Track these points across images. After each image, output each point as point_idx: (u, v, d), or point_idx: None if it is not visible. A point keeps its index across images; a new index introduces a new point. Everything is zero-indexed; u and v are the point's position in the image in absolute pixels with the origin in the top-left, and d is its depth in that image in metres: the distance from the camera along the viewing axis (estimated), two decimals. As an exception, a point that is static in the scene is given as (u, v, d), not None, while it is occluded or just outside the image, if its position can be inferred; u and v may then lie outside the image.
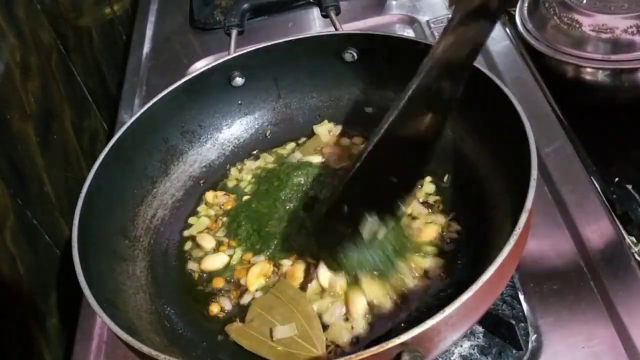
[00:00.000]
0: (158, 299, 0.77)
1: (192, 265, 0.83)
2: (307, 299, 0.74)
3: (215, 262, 0.82)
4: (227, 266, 0.81)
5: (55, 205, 0.91)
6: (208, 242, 0.85)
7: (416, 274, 0.73)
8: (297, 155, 0.93)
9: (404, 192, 0.71)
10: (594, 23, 0.94)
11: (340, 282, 0.74)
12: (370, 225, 0.67)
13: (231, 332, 0.73)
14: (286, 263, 0.79)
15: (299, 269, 0.77)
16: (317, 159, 0.91)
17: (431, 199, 0.83)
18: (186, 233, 0.87)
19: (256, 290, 0.78)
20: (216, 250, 0.84)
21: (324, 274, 0.74)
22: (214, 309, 0.77)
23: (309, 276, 0.76)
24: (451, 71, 0.61)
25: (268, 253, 0.80)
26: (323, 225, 0.75)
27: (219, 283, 0.80)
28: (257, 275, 0.78)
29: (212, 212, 0.89)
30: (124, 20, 1.47)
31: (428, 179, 0.85)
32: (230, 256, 0.82)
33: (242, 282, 0.79)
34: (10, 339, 0.76)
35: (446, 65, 0.61)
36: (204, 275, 0.81)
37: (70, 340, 0.83)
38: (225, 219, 0.87)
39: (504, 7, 0.63)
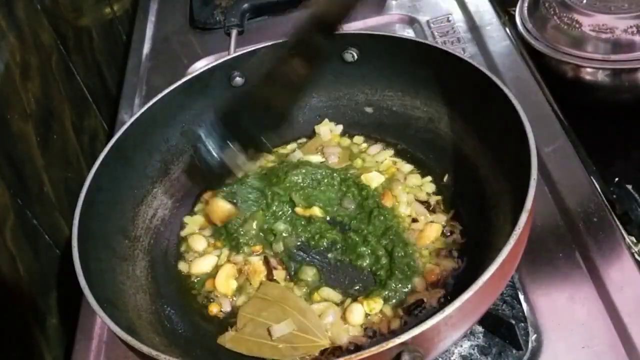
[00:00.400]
0: (158, 299, 0.77)
1: (182, 267, 0.83)
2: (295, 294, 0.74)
3: (202, 265, 0.81)
4: (216, 267, 0.81)
5: (55, 205, 0.91)
6: (199, 243, 0.84)
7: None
8: (298, 155, 0.93)
9: (268, 129, 0.79)
10: (594, 23, 0.94)
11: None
12: (232, 152, 0.72)
13: (226, 342, 0.72)
14: (252, 260, 0.80)
15: (260, 263, 0.78)
16: (317, 159, 0.91)
17: (432, 199, 0.83)
18: (183, 233, 0.87)
19: (234, 295, 0.78)
20: (205, 252, 0.84)
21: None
22: (214, 309, 0.77)
23: (270, 267, 0.78)
24: (322, 25, 0.71)
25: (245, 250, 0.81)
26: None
27: (210, 285, 0.79)
28: (225, 280, 0.78)
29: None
30: (124, 20, 1.47)
31: (428, 178, 0.85)
32: (218, 256, 0.82)
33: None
34: (10, 339, 0.76)
35: (317, 19, 0.71)
36: (197, 277, 0.81)
37: (70, 340, 0.83)
38: None
39: None
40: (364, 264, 0.77)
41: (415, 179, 0.85)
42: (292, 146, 0.95)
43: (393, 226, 0.79)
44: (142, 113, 0.85)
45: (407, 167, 0.88)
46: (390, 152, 0.91)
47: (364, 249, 0.78)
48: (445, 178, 0.84)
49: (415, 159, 0.89)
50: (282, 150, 0.95)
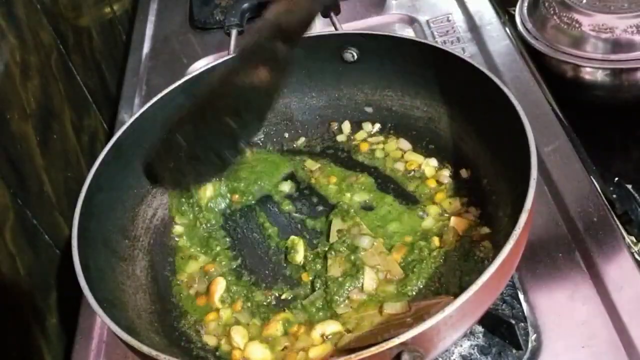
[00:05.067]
0: (158, 299, 0.77)
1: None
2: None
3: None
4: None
5: (55, 205, 0.91)
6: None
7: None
8: None
9: (244, 136, 0.76)
10: (594, 23, 0.94)
11: None
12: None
13: (350, 345, 0.68)
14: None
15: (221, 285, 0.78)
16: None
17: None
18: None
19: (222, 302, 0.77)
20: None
21: None
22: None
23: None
24: (284, 34, 0.69)
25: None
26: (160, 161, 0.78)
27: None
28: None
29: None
30: (124, 20, 1.47)
31: (446, 172, 0.85)
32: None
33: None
34: (10, 339, 0.76)
35: (278, 29, 0.68)
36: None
37: (70, 340, 0.83)
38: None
39: None
40: None
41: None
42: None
43: None
44: (142, 113, 0.85)
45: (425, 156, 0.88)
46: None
47: None
48: (446, 178, 0.85)
49: (415, 158, 0.89)
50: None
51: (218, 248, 0.83)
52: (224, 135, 0.73)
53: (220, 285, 0.77)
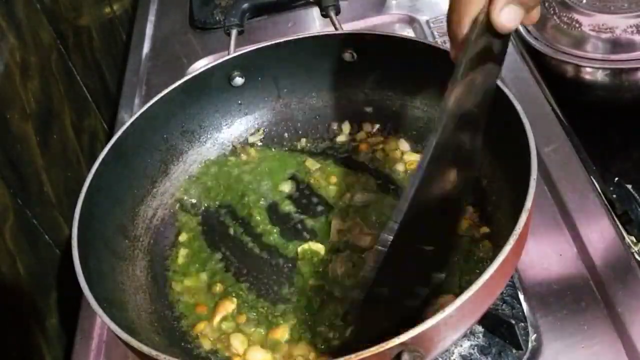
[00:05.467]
0: (158, 299, 0.77)
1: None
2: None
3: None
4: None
5: (55, 205, 0.91)
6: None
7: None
8: None
9: (440, 261, 0.65)
10: (594, 23, 0.94)
11: None
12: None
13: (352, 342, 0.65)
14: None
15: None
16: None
17: None
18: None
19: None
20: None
21: None
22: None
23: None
24: (467, 121, 0.58)
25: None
26: (362, 317, 0.64)
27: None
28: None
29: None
30: (124, 20, 1.47)
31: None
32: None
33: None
34: (10, 339, 0.76)
35: (460, 117, 0.57)
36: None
37: (70, 340, 0.83)
38: None
39: (507, 46, 0.60)
40: None
41: None
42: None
43: None
44: (142, 113, 0.85)
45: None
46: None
47: None
48: (445, 178, 0.84)
49: (415, 159, 0.88)
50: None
51: (219, 255, 0.83)
52: (420, 270, 0.61)
53: (226, 310, 0.75)
